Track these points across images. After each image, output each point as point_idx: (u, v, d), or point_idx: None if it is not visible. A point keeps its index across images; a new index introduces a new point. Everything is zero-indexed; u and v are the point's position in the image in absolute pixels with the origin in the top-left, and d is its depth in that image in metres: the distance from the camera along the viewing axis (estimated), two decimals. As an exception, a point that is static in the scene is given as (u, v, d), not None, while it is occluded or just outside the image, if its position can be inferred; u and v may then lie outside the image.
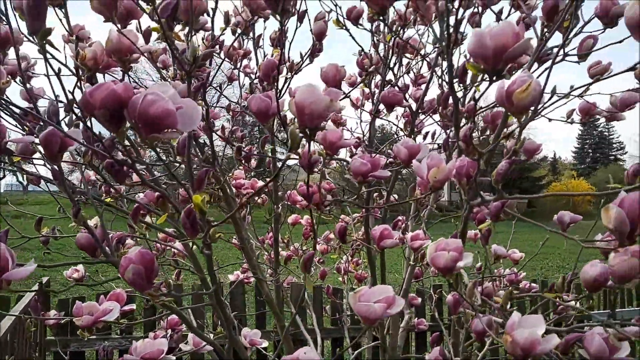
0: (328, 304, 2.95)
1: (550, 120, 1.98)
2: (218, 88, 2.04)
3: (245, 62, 2.06)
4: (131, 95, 0.61)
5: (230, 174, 2.20)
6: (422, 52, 1.75)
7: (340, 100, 2.20)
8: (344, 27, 1.37)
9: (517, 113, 0.82)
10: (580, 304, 2.83)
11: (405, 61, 1.78)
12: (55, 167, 0.89)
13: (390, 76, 1.69)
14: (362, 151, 1.78)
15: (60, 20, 1.30)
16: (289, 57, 1.64)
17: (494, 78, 0.69)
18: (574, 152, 53.79)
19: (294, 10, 1.56)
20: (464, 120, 1.50)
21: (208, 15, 1.25)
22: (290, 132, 0.63)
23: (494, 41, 0.64)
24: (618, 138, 53.19)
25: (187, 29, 1.08)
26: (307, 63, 1.70)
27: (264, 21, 1.89)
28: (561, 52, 1.22)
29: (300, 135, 0.67)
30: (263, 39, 1.99)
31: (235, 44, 2.03)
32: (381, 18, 1.12)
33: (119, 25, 0.99)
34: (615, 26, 1.34)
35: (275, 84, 1.22)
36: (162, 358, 1.13)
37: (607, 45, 1.21)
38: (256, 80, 1.60)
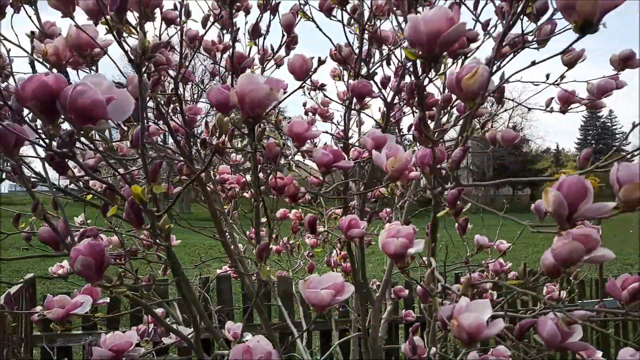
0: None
1: (529, 109, 1.98)
2: (200, 83, 2.04)
3: (225, 56, 2.07)
4: (62, 86, 0.61)
5: (215, 169, 2.20)
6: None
7: (316, 91, 2.19)
8: (311, 19, 1.37)
9: (467, 99, 0.82)
10: (568, 293, 2.82)
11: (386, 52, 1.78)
12: (14, 162, 0.90)
13: (368, 68, 1.69)
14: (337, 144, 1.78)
15: (30, 17, 1.30)
16: (263, 49, 1.64)
17: (431, 64, 0.68)
18: (577, 143, 53.56)
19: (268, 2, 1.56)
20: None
21: (176, 8, 1.26)
22: (217, 119, 0.63)
23: (427, 26, 0.64)
24: (621, 128, 52.91)
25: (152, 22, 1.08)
26: (283, 56, 1.71)
27: (245, 15, 1.90)
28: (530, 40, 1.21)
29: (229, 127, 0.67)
30: (245, 34, 2.00)
31: (215, 39, 2.03)
32: (344, 9, 1.12)
33: (77, 21, 0.99)
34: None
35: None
36: (130, 350, 1.14)
37: (564, 30, 1.20)
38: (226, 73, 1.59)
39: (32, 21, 1.32)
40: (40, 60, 1.14)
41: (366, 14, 1.40)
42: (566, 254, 0.69)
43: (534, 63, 1.20)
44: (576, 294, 3.66)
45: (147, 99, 0.98)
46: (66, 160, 0.68)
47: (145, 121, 0.96)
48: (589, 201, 0.66)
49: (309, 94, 2.47)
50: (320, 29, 1.36)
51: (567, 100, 1.81)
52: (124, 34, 0.89)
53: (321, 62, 1.19)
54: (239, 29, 1.89)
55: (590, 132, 54.05)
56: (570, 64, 1.56)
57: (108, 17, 0.86)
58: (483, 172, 42.44)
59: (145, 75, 0.93)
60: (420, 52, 0.68)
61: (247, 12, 1.76)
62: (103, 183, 0.73)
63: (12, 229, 1.17)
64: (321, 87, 2.42)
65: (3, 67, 1.54)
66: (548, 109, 1.86)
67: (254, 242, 2.48)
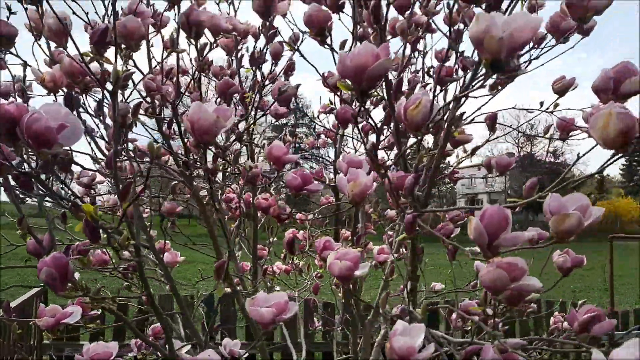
0: (320, 318, 2.97)
1: (532, 136, 1.97)
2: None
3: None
4: (23, 114, 0.69)
5: (226, 189, 2.28)
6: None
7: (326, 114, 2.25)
8: (296, 49, 1.44)
9: (412, 129, 0.86)
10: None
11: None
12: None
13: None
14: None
15: (40, 45, 1.42)
16: (262, 76, 1.71)
17: (362, 96, 0.73)
18: (621, 169, 51.50)
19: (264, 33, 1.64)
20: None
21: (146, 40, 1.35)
22: (148, 145, 0.69)
23: (353, 62, 0.69)
24: (670, 155, 50.53)
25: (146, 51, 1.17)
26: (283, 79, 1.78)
27: (255, 42, 1.99)
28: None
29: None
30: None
31: (225, 65, 2.13)
32: (322, 39, 1.18)
33: (68, 51, 1.08)
34: (566, 41, 1.35)
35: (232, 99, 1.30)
36: (110, 360, 1.20)
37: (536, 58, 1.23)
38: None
39: (42, 49, 1.45)
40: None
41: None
42: (489, 282, 0.71)
43: (496, 86, 1.23)
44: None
45: (130, 122, 1.06)
46: (31, 179, 0.75)
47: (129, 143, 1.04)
48: (508, 231, 0.69)
49: (317, 117, 2.54)
50: (304, 58, 1.43)
51: (565, 128, 1.80)
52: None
53: (298, 86, 1.25)
54: (243, 55, 1.99)
55: (637, 157, 51.89)
56: (560, 92, 1.57)
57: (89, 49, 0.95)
58: (521, 196, 41.28)
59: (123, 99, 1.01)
60: (352, 85, 0.72)
61: (257, 38, 1.85)
62: (68, 201, 0.80)
63: (17, 240, 1.26)
64: (330, 111, 2.49)
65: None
66: (547, 136, 1.86)
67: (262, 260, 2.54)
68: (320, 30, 1.16)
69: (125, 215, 0.94)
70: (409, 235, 1.02)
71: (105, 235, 0.83)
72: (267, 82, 1.62)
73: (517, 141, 43.99)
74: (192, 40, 1.12)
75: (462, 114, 1.32)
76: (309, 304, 2.57)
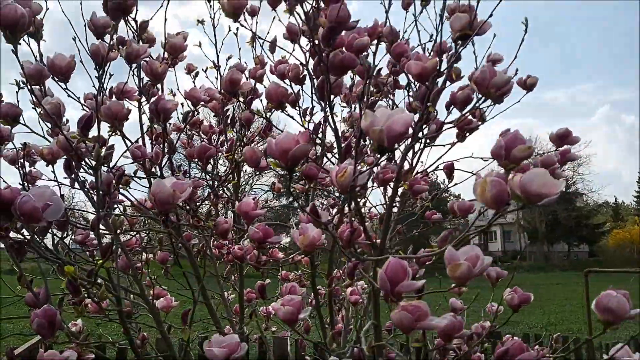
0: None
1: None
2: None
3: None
4: (16, 196, 0.87)
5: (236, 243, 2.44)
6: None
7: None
8: (263, 116, 1.63)
9: (342, 192, 1.02)
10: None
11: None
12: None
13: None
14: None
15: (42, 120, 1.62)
16: (238, 137, 1.90)
17: (290, 172, 0.90)
18: (636, 196, 50.90)
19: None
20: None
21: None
22: (111, 220, 0.87)
23: (278, 147, 0.87)
24: (685, 180, 49.96)
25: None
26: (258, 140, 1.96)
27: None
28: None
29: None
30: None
31: (213, 123, 2.35)
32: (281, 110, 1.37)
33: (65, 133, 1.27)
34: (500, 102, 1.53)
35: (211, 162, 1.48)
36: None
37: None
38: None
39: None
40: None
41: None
42: (397, 321, 0.86)
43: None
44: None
45: (113, 190, 1.24)
46: (24, 246, 0.93)
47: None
48: (407, 279, 0.84)
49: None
50: (271, 123, 1.62)
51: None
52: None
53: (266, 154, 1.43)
54: (229, 116, 2.19)
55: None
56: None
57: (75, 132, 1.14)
58: (535, 228, 40.91)
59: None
60: (281, 163, 0.90)
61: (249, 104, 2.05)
62: (54, 260, 0.97)
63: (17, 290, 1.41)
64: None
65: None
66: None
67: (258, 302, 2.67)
68: (279, 103, 1.35)
69: (108, 270, 1.11)
70: (351, 281, 1.17)
71: (84, 290, 0.99)
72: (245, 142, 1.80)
73: (526, 172, 43.83)
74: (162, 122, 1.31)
75: (411, 169, 1.49)
76: (299, 345, 2.69)
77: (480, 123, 1.89)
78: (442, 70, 1.27)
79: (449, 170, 1.80)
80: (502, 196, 0.84)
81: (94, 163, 1.16)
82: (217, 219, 1.42)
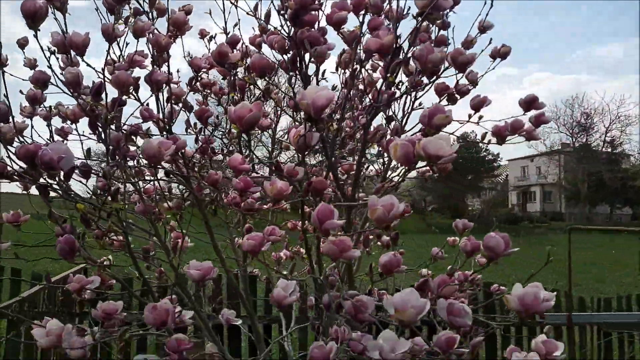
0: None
1: (478, 142, 2.29)
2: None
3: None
4: (38, 150, 1.14)
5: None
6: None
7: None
8: (254, 83, 1.85)
9: (298, 151, 1.25)
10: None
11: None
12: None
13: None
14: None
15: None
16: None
17: (247, 133, 1.13)
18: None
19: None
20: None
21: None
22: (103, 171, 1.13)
23: (235, 114, 1.10)
24: None
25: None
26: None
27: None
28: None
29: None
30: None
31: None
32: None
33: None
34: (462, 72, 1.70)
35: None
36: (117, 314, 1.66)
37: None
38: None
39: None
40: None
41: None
42: (326, 251, 1.10)
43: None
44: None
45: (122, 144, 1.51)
46: (47, 189, 1.21)
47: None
48: (332, 218, 1.07)
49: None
50: (261, 90, 1.84)
51: (500, 134, 2.11)
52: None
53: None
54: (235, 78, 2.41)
55: None
56: (476, 107, 1.90)
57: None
58: (577, 188, 39.89)
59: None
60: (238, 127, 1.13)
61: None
62: (70, 200, 1.26)
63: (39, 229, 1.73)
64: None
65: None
66: (485, 141, 2.17)
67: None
68: (261, 72, 1.57)
69: (117, 211, 1.39)
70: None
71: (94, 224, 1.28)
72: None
73: (571, 131, 42.40)
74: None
75: (377, 130, 1.69)
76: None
77: (472, 87, 2.07)
78: (401, 44, 1.46)
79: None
80: (409, 156, 1.05)
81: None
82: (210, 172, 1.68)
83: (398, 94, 1.97)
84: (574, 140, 42.72)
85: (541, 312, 1.04)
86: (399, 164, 1.09)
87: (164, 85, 1.56)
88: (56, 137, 1.83)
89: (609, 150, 41.51)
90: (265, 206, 1.94)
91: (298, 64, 1.47)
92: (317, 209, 1.08)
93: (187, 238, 2.65)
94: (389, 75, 1.49)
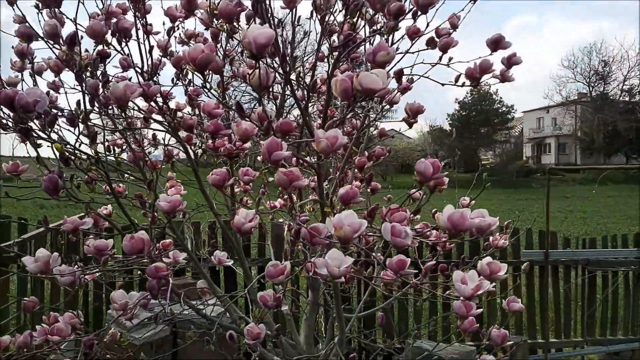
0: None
1: (443, 84, 2.35)
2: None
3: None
4: (17, 94, 1.26)
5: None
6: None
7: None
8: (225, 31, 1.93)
9: (256, 90, 1.35)
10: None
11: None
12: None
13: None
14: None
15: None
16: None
17: (201, 73, 1.23)
18: None
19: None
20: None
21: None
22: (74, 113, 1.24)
23: (189, 56, 1.19)
24: None
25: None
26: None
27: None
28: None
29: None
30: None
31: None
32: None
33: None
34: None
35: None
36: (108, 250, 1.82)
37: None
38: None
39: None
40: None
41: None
42: (277, 181, 1.21)
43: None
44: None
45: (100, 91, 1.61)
46: (28, 132, 1.33)
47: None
48: (279, 150, 1.18)
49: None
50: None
51: (472, 76, 2.16)
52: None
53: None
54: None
55: None
56: (443, 49, 1.95)
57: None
58: (592, 139, 39.27)
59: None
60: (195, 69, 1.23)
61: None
62: (49, 140, 1.38)
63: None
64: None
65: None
66: (458, 84, 2.23)
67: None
68: (228, 19, 1.64)
69: (96, 153, 1.52)
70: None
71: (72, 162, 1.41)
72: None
73: (588, 80, 41.32)
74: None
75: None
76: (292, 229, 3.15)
77: (452, 30, 2.12)
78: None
79: (399, 76, 2.05)
80: (348, 90, 1.14)
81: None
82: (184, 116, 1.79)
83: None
84: (591, 89, 41.69)
85: (467, 229, 1.15)
86: (339, 97, 1.18)
87: (145, 37, 1.65)
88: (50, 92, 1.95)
89: (627, 99, 40.50)
90: (245, 147, 2.03)
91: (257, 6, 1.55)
92: (266, 141, 1.19)
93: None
94: (348, 17, 1.55)
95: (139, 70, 2.02)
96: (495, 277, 1.43)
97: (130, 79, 1.99)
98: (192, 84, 2.50)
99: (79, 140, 1.54)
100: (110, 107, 1.78)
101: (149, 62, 2.04)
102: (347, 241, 1.13)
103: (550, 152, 46.29)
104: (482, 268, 1.44)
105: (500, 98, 43.77)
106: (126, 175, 2.21)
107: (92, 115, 1.89)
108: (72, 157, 1.43)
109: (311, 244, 1.34)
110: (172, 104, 2.14)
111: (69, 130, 1.65)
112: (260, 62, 1.29)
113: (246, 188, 2.50)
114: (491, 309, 4.27)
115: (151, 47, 2.05)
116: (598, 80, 41.27)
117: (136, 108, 2.07)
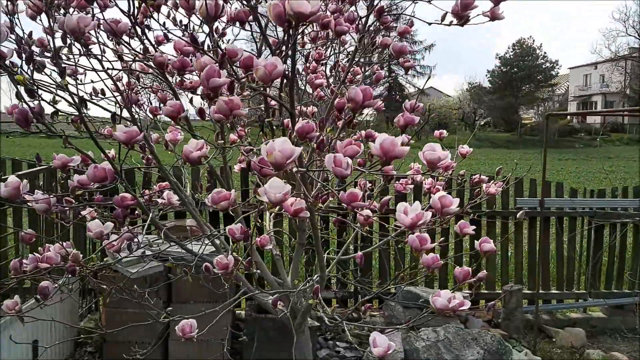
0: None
1: (430, 24, 2.28)
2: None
3: None
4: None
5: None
6: None
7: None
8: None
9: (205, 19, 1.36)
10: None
11: None
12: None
13: None
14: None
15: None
16: None
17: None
18: None
19: None
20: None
21: None
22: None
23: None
24: None
25: None
26: None
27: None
28: None
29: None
30: None
31: None
32: None
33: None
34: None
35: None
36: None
37: None
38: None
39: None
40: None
41: None
42: (217, 109, 1.24)
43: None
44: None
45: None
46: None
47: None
48: (217, 77, 1.20)
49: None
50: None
51: (457, 14, 2.09)
52: None
53: None
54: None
55: None
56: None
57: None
58: (641, 98, 37.13)
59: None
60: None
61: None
62: (8, 72, 1.44)
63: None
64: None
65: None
66: (445, 23, 2.16)
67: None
68: None
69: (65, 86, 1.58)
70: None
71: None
72: None
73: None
74: None
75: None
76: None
77: None
78: None
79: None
80: (280, 15, 1.15)
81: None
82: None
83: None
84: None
85: (397, 156, 1.15)
86: (276, 24, 1.18)
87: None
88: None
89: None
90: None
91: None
92: (204, 72, 1.21)
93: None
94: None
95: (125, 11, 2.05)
96: (447, 210, 1.43)
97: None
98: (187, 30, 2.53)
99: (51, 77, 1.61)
100: (90, 46, 1.84)
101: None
102: (280, 167, 1.16)
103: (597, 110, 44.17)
104: (434, 202, 1.45)
105: (545, 53, 41.75)
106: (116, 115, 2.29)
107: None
108: (36, 89, 1.49)
109: (261, 175, 1.38)
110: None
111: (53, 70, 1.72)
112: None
113: (241, 134, 2.55)
114: (490, 263, 4.24)
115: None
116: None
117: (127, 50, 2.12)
